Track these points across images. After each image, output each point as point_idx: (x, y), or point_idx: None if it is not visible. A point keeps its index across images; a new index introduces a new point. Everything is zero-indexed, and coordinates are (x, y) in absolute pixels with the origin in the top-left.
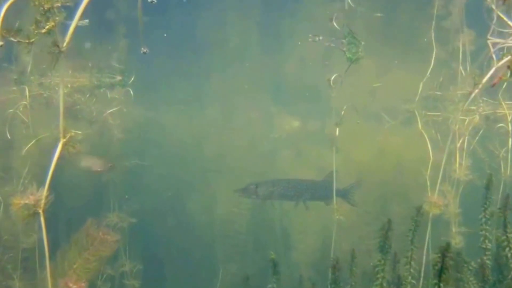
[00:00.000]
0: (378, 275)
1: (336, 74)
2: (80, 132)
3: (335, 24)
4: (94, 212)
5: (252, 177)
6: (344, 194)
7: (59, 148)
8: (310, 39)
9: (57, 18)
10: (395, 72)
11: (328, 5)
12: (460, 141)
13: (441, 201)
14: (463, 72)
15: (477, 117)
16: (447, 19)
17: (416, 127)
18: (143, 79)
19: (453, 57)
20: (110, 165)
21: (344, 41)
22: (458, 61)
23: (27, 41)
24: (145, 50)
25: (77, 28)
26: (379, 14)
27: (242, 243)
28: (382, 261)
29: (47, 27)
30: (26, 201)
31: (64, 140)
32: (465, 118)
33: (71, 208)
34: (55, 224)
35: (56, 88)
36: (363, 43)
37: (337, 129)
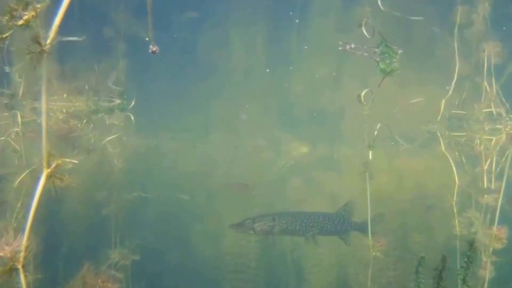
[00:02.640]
0: None
1: (367, 90)
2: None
3: (364, 30)
4: (95, 248)
5: (260, 208)
6: (363, 228)
7: (42, 181)
8: (340, 48)
9: (38, 6)
10: (414, 89)
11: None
12: (487, 163)
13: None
14: (487, 87)
15: (504, 136)
16: (470, 29)
17: (439, 149)
18: (143, 104)
19: (477, 71)
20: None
21: (377, 50)
22: (483, 75)
23: None
24: (154, 49)
25: (73, 48)
26: (417, 18)
27: (252, 278)
28: None
29: (25, 17)
30: (1, 254)
31: (49, 170)
32: (491, 137)
33: (72, 243)
34: (55, 261)
35: (51, 114)
36: (400, 51)
37: (370, 153)
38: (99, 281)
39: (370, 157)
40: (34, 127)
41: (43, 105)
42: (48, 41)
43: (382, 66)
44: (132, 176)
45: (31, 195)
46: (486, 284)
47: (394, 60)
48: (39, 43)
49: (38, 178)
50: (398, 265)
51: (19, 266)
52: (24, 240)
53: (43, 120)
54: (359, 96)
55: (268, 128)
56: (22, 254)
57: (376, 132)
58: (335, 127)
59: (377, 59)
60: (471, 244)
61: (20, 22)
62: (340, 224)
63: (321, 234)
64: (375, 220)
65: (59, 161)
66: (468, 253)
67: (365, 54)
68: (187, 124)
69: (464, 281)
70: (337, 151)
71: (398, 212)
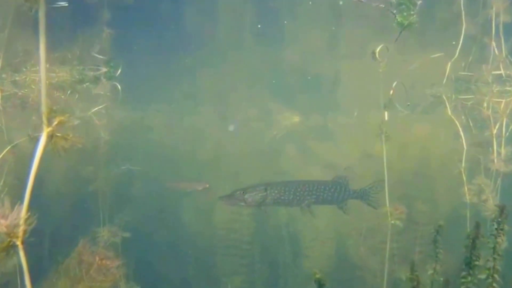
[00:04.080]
0: None
1: (382, 45)
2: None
3: None
4: (82, 225)
5: (253, 181)
6: (362, 196)
7: (43, 141)
8: None
9: None
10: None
11: None
12: (497, 127)
13: None
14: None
15: None
16: None
17: (445, 113)
18: (129, 75)
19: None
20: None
21: (393, 1)
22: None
23: None
24: None
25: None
26: None
27: (247, 253)
28: (469, 278)
29: None
30: None
31: (50, 129)
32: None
33: (55, 221)
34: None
35: (33, 86)
36: (419, 2)
37: (386, 114)
38: (97, 258)
39: (386, 118)
40: (15, 101)
41: (42, 57)
42: None
43: (399, 19)
44: (119, 148)
45: (14, 172)
46: None
47: (412, 12)
48: None
49: (37, 139)
50: (402, 236)
51: (19, 242)
52: (23, 211)
53: (42, 74)
54: (373, 53)
55: (259, 98)
56: (21, 228)
57: (392, 92)
58: (330, 94)
59: (394, 12)
60: (502, 210)
61: None
62: (337, 192)
63: (317, 203)
64: (375, 188)
65: (62, 118)
66: (499, 220)
67: (381, 5)
68: (175, 95)
69: (494, 250)
70: (331, 119)
71: (400, 181)
